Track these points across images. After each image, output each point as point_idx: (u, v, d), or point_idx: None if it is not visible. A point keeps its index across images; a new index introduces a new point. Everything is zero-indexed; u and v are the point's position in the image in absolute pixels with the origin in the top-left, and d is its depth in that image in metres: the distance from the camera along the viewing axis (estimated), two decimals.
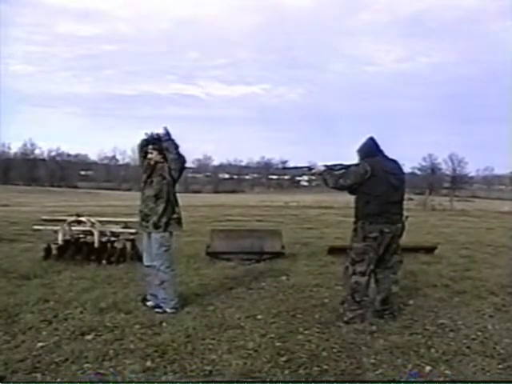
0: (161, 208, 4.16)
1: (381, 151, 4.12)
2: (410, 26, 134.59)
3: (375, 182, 3.93)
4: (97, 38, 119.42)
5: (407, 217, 4.19)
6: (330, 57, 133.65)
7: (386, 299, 4.10)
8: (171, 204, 4.20)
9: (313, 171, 4.38)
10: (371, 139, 4.15)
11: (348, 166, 4.14)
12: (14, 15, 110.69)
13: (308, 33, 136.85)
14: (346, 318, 3.95)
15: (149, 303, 4.28)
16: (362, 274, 3.96)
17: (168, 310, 4.14)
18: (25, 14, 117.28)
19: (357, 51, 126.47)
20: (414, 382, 2.98)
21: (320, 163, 4.31)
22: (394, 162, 4.16)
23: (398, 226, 4.03)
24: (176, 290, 4.32)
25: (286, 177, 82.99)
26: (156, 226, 4.18)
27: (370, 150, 4.10)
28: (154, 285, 4.27)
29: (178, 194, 4.34)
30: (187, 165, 4.45)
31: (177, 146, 4.19)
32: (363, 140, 4.16)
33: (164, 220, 4.17)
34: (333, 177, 4.14)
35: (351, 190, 4.10)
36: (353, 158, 4.21)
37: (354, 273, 3.97)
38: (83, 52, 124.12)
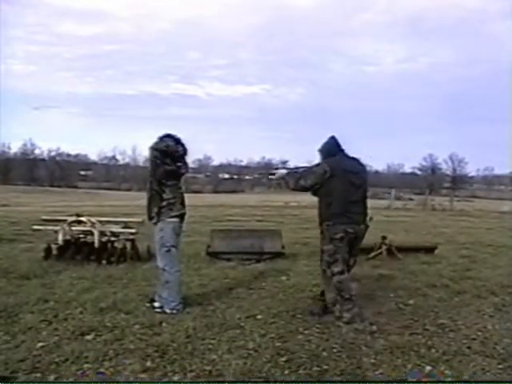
0: (147, 201, 4.20)
1: (342, 150, 4.11)
2: (410, 26, 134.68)
3: (335, 181, 3.93)
4: (97, 38, 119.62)
5: (371, 218, 4.19)
6: (330, 57, 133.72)
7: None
8: (157, 193, 4.15)
9: (276, 175, 4.37)
10: (332, 138, 4.14)
11: (310, 168, 4.13)
12: (15, 15, 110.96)
13: (308, 33, 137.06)
14: (345, 319, 3.93)
15: (156, 304, 4.24)
16: (341, 272, 3.98)
17: (167, 310, 4.13)
18: (25, 13, 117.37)
19: (357, 51, 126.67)
20: (413, 381, 2.98)
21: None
22: (355, 160, 4.14)
23: (362, 227, 4.03)
24: (180, 291, 4.29)
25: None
26: (150, 218, 4.21)
27: (331, 149, 4.10)
28: (159, 284, 4.28)
29: None
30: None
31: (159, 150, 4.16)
32: (324, 139, 4.14)
33: (155, 210, 4.16)
34: (293, 178, 4.14)
35: (313, 191, 4.09)
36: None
37: (333, 274, 4.00)
38: (84, 52, 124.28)
